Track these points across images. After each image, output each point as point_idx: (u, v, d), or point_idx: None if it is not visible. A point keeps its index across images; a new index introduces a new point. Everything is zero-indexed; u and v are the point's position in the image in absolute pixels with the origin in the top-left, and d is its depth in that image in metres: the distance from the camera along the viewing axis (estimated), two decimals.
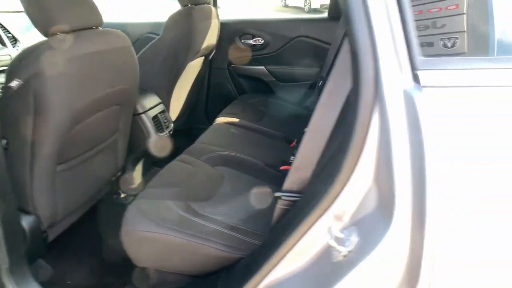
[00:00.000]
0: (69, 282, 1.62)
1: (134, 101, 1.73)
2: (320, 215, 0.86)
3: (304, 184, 1.03)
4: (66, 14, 1.27)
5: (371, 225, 0.76)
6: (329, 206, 0.84)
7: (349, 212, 0.82)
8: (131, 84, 1.60)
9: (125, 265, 1.36)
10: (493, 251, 0.70)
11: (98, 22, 1.42)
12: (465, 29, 0.79)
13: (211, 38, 2.37)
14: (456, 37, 0.78)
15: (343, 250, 0.78)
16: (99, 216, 1.86)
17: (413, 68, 0.69)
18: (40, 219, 1.39)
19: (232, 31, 2.65)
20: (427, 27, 0.81)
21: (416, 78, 0.69)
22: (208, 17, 2.28)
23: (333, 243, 0.79)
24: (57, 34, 1.26)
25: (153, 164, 2.21)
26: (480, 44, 0.85)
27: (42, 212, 1.38)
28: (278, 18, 2.77)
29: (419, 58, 0.69)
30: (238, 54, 2.68)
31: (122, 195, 2.01)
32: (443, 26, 0.80)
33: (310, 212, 0.87)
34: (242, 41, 2.67)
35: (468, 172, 0.67)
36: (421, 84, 0.68)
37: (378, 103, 0.73)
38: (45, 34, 1.25)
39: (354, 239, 0.78)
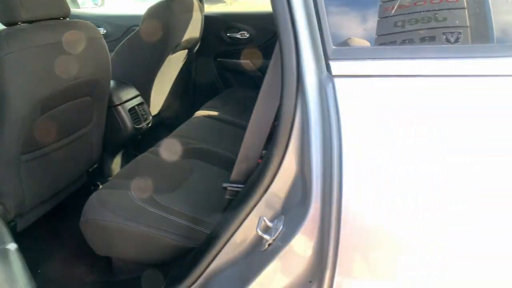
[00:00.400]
0: (39, 271, 1.63)
1: (106, 93, 1.74)
2: (255, 205, 0.86)
3: (249, 175, 1.03)
4: (27, 4, 1.27)
5: (295, 213, 0.76)
6: (261, 196, 0.84)
7: (280, 202, 0.83)
8: (101, 75, 1.60)
9: (96, 255, 1.38)
10: (395, 238, 0.70)
11: (64, 12, 1.42)
12: (468, 24, 0.77)
13: (193, 31, 2.36)
14: (460, 32, 0.76)
15: (269, 239, 0.78)
16: (75, 207, 1.88)
17: (326, 58, 0.69)
18: (6, 208, 1.40)
19: (217, 25, 2.64)
20: (430, 20, 0.78)
21: (328, 68, 0.69)
22: (189, 10, 2.27)
23: (259, 232, 0.80)
24: (18, 23, 1.27)
25: (135, 157, 2.22)
26: (482, 38, 0.82)
27: (8, 201, 1.39)
28: (263, 11, 2.75)
29: (331, 48, 0.69)
30: (224, 48, 2.67)
31: (100, 187, 2.03)
32: (444, 19, 0.77)
33: (246, 202, 0.88)
34: (228, 34, 2.66)
35: (373, 160, 0.67)
36: (333, 74, 0.68)
37: (300, 93, 0.73)
38: (5, 23, 1.26)
39: (280, 227, 0.78)
